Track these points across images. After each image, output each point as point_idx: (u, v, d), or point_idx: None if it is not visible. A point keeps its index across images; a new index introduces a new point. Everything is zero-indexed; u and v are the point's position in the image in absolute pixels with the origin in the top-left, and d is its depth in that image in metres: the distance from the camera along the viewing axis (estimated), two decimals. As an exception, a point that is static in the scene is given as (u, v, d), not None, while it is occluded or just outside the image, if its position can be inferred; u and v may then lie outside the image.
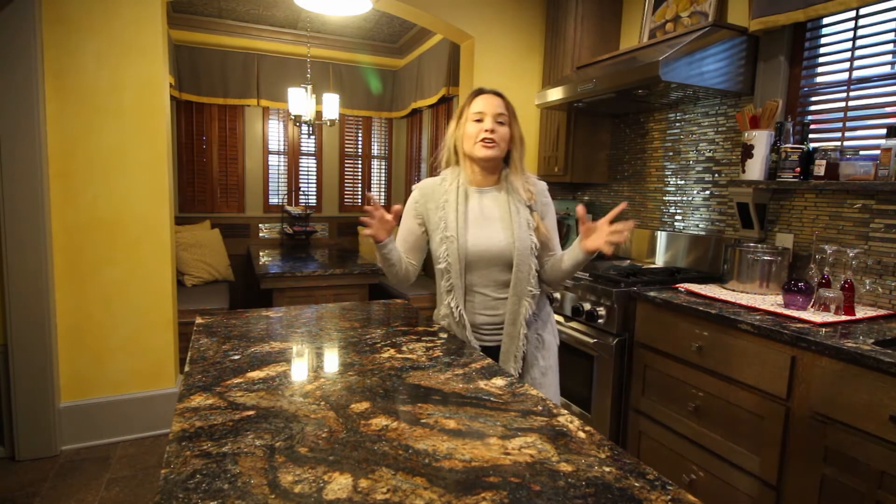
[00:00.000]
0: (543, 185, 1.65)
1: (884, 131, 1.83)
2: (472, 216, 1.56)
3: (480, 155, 1.53)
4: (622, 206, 1.49)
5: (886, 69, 1.93)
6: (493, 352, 1.57)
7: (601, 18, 2.99)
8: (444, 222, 1.54)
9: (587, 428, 0.93)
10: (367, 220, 1.44)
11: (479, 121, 1.53)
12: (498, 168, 1.60)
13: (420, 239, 1.63)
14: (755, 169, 2.14)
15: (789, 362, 1.56)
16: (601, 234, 1.43)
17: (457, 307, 1.54)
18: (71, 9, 2.43)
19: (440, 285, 1.60)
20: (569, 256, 1.55)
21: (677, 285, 2.19)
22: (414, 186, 1.66)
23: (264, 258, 4.21)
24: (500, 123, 1.53)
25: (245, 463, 0.78)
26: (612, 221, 1.44)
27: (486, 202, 1.58)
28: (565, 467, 0.80)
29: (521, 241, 1.52)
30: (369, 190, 5.79)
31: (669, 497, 0.73)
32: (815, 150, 2.00)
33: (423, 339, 1.44)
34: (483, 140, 1.51)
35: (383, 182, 5.88)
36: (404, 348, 1.35)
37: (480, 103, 1.54)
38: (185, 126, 4.90)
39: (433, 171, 5.09)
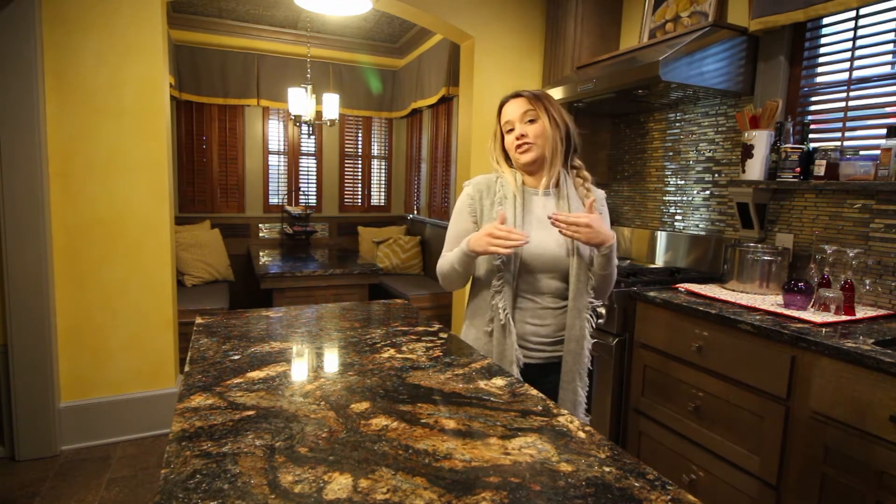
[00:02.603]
0: (601, 194, 1.57)
1: (884, 131, 1.83)
2: (530, 217, 1.49)
3: (522, 161, 1.48)
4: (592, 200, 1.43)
5: (886, 69, 1.93)
6: (535, 370, 1.48)
7: (601, 18, 2.99)
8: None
9: (587, 428, 0.93)
10: (503, 242, 1.33)
11: (510, 130, 1.50)
12: (552, 169, 1.51)
13: None
14: (755, 169, 2.14)
15: (789, 362, 1.56)
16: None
17: (504, 310, 1.43)
18: (71, 8, 2.43)
19: (481, 286, 1.50)
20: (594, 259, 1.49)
21: (677, 285, 2.19)
22: (466, 183, 1.56)
23: (264, 258, 4.22)
24: (531, 122, 1.47)
25: (245, 463, 0.78)
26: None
27: (545, 205, 1.50)
28: (565, 467, 0.80)
29: (581, 249, 1.44)
30: (368, 189, 5.79)
31: (669, 497, 0.73)
32: (815, 150, 2.00)
33: (423, 339, 1.44)
34: (518, 147, 1.48)
35: (383, 182, 5.89)
36: (404, 348, 1.35)
37: (507, 113, 1.51)
38: (185, 126, 4.90)
39: (434, 172, 5.04)
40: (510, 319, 1.44)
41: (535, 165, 1.51)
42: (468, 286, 1.61)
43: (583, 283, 1.45)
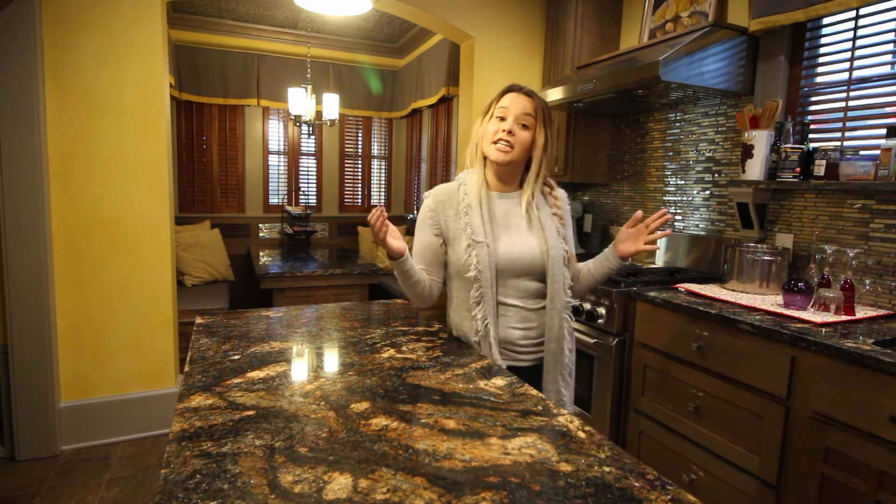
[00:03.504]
0: (564, 194, 1.56)
1: (884, 131, 1.83)
2: (497, 222, 1.45)
3: (492, 157, 1.43)
4: (664, 212, 1.47)
5: (886, 69, 1.93)
6: (527, 372, 1.44)
7: (601, 18, 2.99)
8: (471, 227, 1.41)
9: (587, 428, 0.93)
10: (378, 230, 1.29)
11: (501, 119, 1.43)
12: (517, 173, 1.50)
13: (440, 252, 1.48)
14: (755, 169, 2.14)
15: (789, 362, 1.56)
16: (640, 238, 1.46)
17: (483, 320, 1.39)
18: (71, 8, 2.43)
19: (460, 297, 1.46)
20: (600, 264, 1.55)
21: (677, 285, 2.19)
22: (426, 194, 1.51)
23: (264, 258, 4.22)
24: (524, 127, 1.42)
25: (245, 463, 0.78)
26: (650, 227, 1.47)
27: (510, 208, 1.48)
28: (565, 467, 0.80)
29: (555, 250, 1.43)
30: (368, 189, 5.79)
31: (669, 497, 0.73)
32: (815, 150, 2.00)
33: (423, 339, 1.44)
34: (498, 141, 1.42)
35: (383, 182, 5.88)
36: (404, 348, 1.35)
37: (507, 100, 1.44)
38: (185, 126, 4.90)
39: (434, 172, 5.03)
40: (489, 330, 1.40)
41: (503, 169, 1.47)
42: (447, 300, 1.56)
43: (559, 284, 1.43)
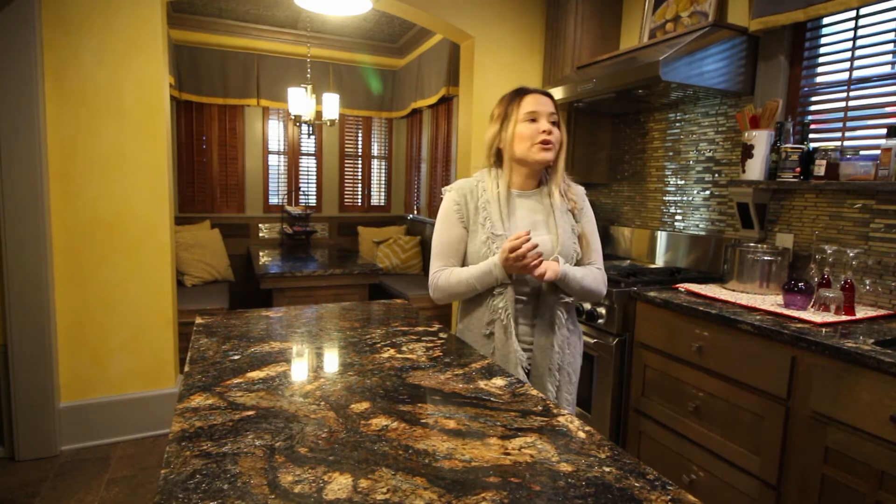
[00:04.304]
0: (581, 190, 1.58)
1: (884, 131, 1.83)
2: (515, 218, 1.49)
3: (538, 158, 1.44)
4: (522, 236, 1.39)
5: (886, 69, 1.93)
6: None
7: (601, 18, 2.98)
8: (490, 221, 1.45)
9: (587, 428, 0.93)
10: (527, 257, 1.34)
11: (533, 121, 1.45)
12: (541, 171, 1.54)
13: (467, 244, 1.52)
14: (755, 169, 2.14)
15: (789, 362, 1.56)
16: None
17: (506, 311, 1.43)
18: (71, 9, 2.43)
19: (477, 294, 1.49)
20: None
21: (677, 285, 2.19)
22: (446, 189, 1.54)
23: (264, 258, 4.21)
24: (554, 124, 1.47)
25: (245, 463, 0.78)
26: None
27: (529, 206, 1.51)
28: (565, 467, 0.80)
29: (565, 248, 1.45)
30: (368, 189, 5.79)
31: (669, 497, 0.73)
32: (816, 150, 2.00)
33: (423, 339, 1.44)
34: (542, 142, 1.44)
35: (383, 182, 5.88)
36: (404, 348, 1.35)
37: (532, 102, 1.46)
38: (185, 126, 4.90)
39: (434, 172, 5.03)
40: (511, 320, 1.44)
41: (540, 167, 1.51)
42: None
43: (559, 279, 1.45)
